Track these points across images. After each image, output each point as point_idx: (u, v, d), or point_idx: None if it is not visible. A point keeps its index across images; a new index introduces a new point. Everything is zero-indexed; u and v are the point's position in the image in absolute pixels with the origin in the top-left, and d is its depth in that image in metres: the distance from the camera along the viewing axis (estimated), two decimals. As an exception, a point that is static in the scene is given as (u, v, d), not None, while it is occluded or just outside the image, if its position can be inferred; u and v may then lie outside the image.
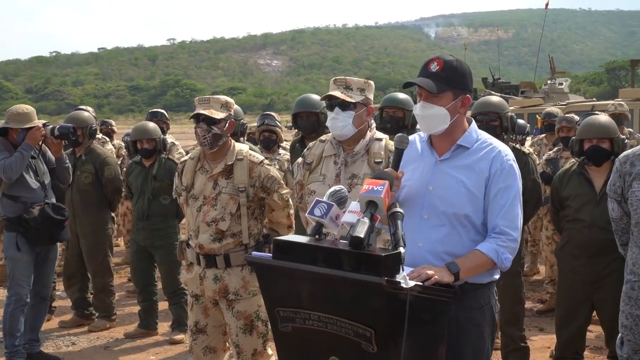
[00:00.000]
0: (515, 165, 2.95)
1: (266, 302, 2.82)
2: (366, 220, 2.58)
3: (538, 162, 7.62)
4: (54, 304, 7.19)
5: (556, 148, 7.46)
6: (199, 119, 3.99)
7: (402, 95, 5.40)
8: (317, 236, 2.71)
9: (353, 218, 2.65)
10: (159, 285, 6.66)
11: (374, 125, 3.87)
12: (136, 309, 6.78)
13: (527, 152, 5.24)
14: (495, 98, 5.46)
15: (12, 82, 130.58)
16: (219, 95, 4.16)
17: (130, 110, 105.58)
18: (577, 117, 7.43)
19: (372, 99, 3.81)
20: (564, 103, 14.70)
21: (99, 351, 6.18)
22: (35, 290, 5.65)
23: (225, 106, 4.07)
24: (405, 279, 2.48)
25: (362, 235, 2.51)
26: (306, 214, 2.81)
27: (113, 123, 10.86)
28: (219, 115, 3.99)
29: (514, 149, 5.07)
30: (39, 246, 5.52)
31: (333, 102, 3.71)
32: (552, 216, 5.26)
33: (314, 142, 4.02)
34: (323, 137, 3.97)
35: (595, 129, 4.77)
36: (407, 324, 2.45)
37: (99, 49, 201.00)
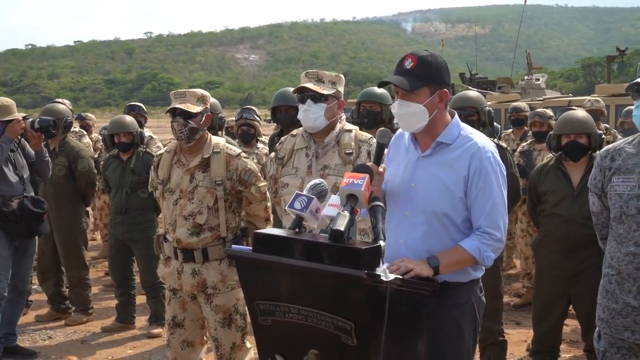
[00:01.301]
0: (497, 161, 2.92)
1: (246, 295, 2.82)
2: (346, 213, 2.59)
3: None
4: (30, 298, 7.12)
5: (529, 140, 7.55)
6: (175, 113, 3.97)
7: (379, 90, 5.40)
8: (297, 229, 2.72)
9: (333, 211, 2.65)
10: (137, 279, 6.63)
11: (344, 117, 3.91)
12: (113, 302, 6.75)
13: (505, 146, 5.26)
14: (473, 93, 5.48)
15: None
16: (196, 89, 4.14)
17: (107, 104, 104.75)
18: (549, 112, 7.52)
19: (343, 92, 3.84)
20: (541, 98, 14.80)
21: (76, 345, 6.15)
22: (13, 284, 5.59)
23: (202, 100, 4.05)
24: (385, 272, 2.48)
25: (342, 229, 2.52)
26: (286, 207, 2.80)
27: (91, 117, 10.73)
28: (195, 109, 3.97)
29: (491, 144, 5.11)
30: (18, 239, 5.45)
31: (305, 95, 3.74)
32: (529, 211, 5.29)
33: (285, 136, 4.04)
34: (294, 132, 4.00)
35: (573, 124, 4.80)
36: (386, 317, 2.45)
37: (75, 42, 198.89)
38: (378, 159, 2.89)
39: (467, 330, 2.97)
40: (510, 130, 9.29)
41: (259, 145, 6.84)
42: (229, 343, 4.08)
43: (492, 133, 5.28)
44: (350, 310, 2.50)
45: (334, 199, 2.71)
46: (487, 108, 5.17)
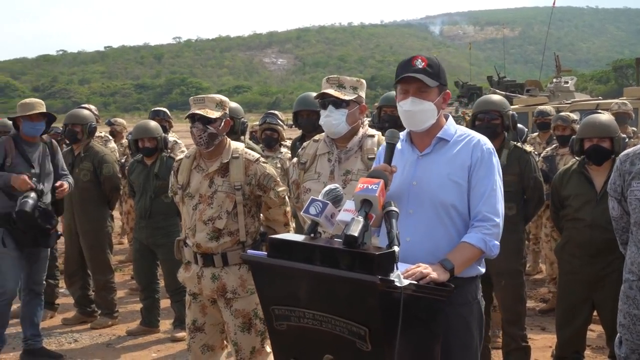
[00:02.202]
0: (495, 155, 3.01)
1: (261, 300, 2.83)
2: (360, 219, 2.59)
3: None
4: (57, 302, 7.23)
5: (553, 146, 7.48)
6: (194, 118, 4.00)
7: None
8: (312, 235, 2.72)
9: (348, 217, 2.65)
10: (162, 283, 6.68)
11: (366, 122, 3.92)
12: (138, 306, 6.80)
13: (529, 150, 5.22)
14: (496, 96, 5.45)
15: (19, 80, 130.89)
16: (215, 94, 4.17)
17: (136, 109, 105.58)
18: (573, 116, 7.45)
19: (364, 97, 3.84)
20: (569, 101, 14.64)
21: (101, 348, 6.21)
22: (29, 287, 5.68)
23: (220, 105, 4.07)
24: (399, 277, 2.48)
25: (356, 234, 2.52)
26: (301, 213, 2.82)
27: (121, 122, 10.57)
28: (214, 114, 4.00)
29: (516, 147, 5.08)
30: (24, 247, 5.52)
31: (326, 100, 3.75)
32: (552, 215, 5.25)
33: (307, 141, 4.05)
34: (316, 137, 4.01)
35: (595, 128, 4.75)
36: (400, 322, 2.45)
37: (105, 47, 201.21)
38: (389, 159, 2.91)
39: (475, 327, 3.00)
40: (536, 134, 9.22)
41: (283, 149, 6.87)
42: (249, 347, 4.09)
43: (515, 137, 5.23)
44: (364, 316, 2.50)
45: (349, 204, 2.72)
46: (510, 112, 5.14)
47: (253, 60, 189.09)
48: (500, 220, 2.93)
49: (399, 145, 3.05)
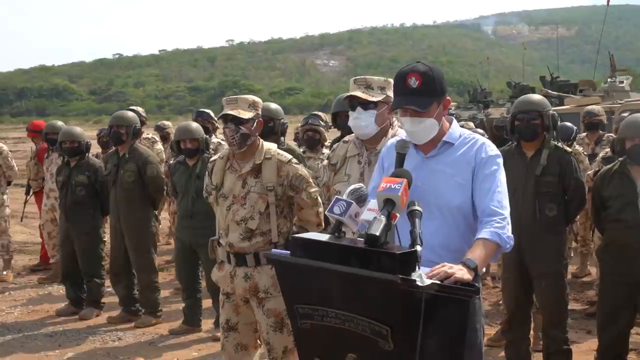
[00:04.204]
0: (499, 157, 3.02)
1: (285, 299, 2.85)
2: (383, 218, 2.59)
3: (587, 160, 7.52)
4: (103, 300, 7.37)
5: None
6: (226, 119, 4.04)
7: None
8: (336, 234, 2.73)
9: (371, 216, 2.66)
10: (204, 283, 6.74)
11: (396, 123, 3.88)
12: (181, 306, 6.89)
13: (570, 150, 5.13)
14: (537, 96, 5.38)
15: (77, 84, 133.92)
16: (247, 95, 4.21)
17: (190, 111, 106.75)
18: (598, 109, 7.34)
19: (393, 96, 3.82)
20: (622, 101, 14.33)
21: (144, 346, 6.31)
22: None
23: (253, 106, 4.11)
24: (422, 276, 2.47)
25: (377, 233, 2.52)
26: (326, 212, 2.82)
27: (169, 125, 10.68)
28: (246, 115, 4.03)
29: (556, 148, 4.99)
30: None
31: (354, 102, 3.74)
32: (593, 217, 5.15)
33: (337, 143, 4.05)
34: (346, 138, 4.01)
35: (637, 128, 4.65)
36: (422, 322, 2.43)
37: (159, 50, 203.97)
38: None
39: (478, 324, 2.99)
40: (585, 134, 9.04)
41: (325, 150, 6.88)
42: (281, 347, 4.11)
43: (556, 137, 5.13)
44: (386, 315, 2.50)
45: (373, 203, 2.72)
46: (550, 111, 5.06)
47: (305, 62, 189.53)
48: (507, 213, 2.92)
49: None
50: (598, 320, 4.93)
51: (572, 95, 19.51)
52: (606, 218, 4.83)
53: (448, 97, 3.04)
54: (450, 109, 5.29)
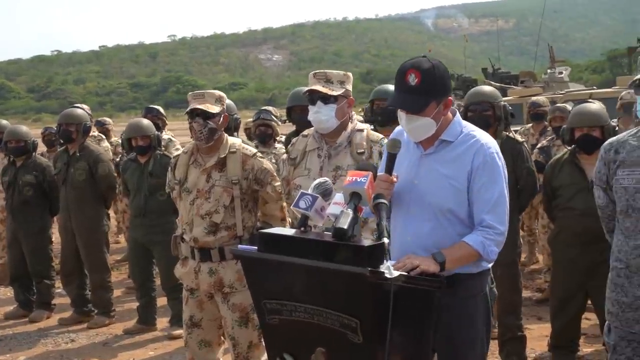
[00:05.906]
0: (499, 157, 2.93)
1: (253, 295, 2.85)
2: (349, 211, 2.61)
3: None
4: (53, 302, 7.23)
5: (549, 137, 7.48)
6: (194, 113, 4.02)
7: (392, 87, 5.39)
8: (302, 228, 2.74)
9: (337, 210, 2.67)
10: (158, 281, 6.68)
11: (355, 116, 3.93)
12: (135, 305, 6.81)
13: (521, 140, 5.24)
14: (488, 88, 5.47)
15: (15, 81, 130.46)
16: (213, 90, 4.20)
17: (132, 108, 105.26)
18: (569, 107, 7.43)
19: (351, 90, 3.85)
20: (563, 92, 14.65)
21: (98, 348, 6.22)
22: None
23: (219, 100, 4.11)
24: (389, 269, 2.50)
25: (345, 227, 2.54)
26: (291, 207, 2.83)
27: (109, 121, 10.75)
28: (214, 109, 4.03)
29: (508, 138, 5.08)
30: None
31: (315, 96, 3.75)
32: (544, 205, 5.28)
33: (296, 137, 4.06)
34: (305, 132, 4.03)
35: (585, 117, 4.77)
36: (391, 313, 2.46)
37: (100, 47, 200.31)
38: (390, 169, 2.86)
39: (481, 321, 2.99)
40: (530, 125, 9.22)
41: (277, 145, 6.88)
42: (246, 342, 4.11)
43: (507, 127, 5.22)
44: (355, 308, 2.52)
45: (339, 197, 2.74)
46: (502, 102, 5.15)
47: (248, 56, 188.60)
48: (504, 229, 2.87)
49: (405, 140, 3.00)
50: (551, 306, 5.04)
51: (514, 87, 19.85)
52: (557, 206, 4.94)
53: (450, 97, 2.90)
54: None
